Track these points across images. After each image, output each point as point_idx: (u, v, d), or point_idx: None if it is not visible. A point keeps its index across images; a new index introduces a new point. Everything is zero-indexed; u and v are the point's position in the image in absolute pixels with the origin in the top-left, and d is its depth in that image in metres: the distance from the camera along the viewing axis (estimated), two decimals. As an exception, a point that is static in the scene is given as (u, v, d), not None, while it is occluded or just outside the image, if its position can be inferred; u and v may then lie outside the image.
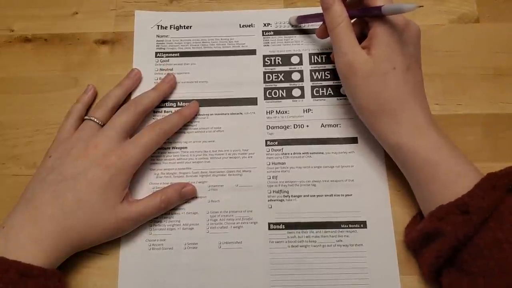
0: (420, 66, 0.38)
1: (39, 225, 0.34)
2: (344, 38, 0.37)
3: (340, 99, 0.43)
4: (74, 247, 0.36)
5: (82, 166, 0.36)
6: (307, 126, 0.43)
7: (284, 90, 0.44)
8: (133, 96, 0.44)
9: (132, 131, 0.40)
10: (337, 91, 0.44)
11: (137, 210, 0.38)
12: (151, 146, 0.39)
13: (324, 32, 0.42)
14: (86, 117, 0.40)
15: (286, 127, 0.43)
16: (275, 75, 0.45)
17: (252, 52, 0.46)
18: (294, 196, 0.40)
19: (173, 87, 0.44)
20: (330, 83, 0.44)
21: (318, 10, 0.39)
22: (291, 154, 0.42)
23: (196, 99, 0.44)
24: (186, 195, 0.40)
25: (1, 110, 0.44)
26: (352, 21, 0.39)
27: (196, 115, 0.43)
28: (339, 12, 0.37)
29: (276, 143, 0.42)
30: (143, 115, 0.41)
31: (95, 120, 0.40)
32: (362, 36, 0.39)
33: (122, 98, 0.42)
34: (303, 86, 0.44)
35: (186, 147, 0.42)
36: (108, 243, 0.38)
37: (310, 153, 0.42)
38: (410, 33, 0.37)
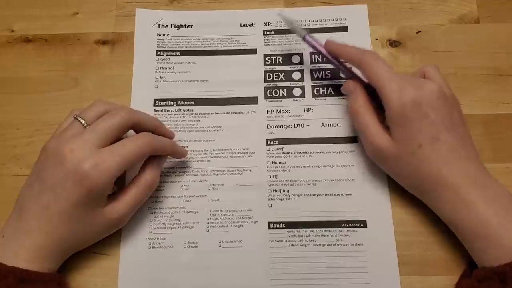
0: (454, 125, 0.36)
1: (31, 237, 0.33)
2: (367, 125, 0.37)
3: (341, 98, 0.43)
4: (71, 250, 0.36)
5: (59, 175, 0.34)
6: (308, 125, 0.43)
7: (285, 90, 0.44)
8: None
9: (114, 139, 0.36)
10: (337, 91, 0.44)
11: (127, 204, 0.36)
12: (131, 158, 0.35)
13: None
14: (74, 115, 0.37)
15: (287, 126, 0.43)
16: (275, 75, 0.45)
17: (253, 51, 0.46)
18: (294, 195, 0.40)
19: (170, 137, 0.40)
20: (331, 82, 0.44)
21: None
22: (292, 153, 0.42)
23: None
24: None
25: (1, 110, 0.44)
26: None
27: (182, 157, 0.41)
28: (359, 101, 0.38)
29: (277, 142, 0.42)
30: (132, 125, 0.37)
31: (81, 121, 0.36)
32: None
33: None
34: (304, 86, 0.44)
35: (186, 146, 0.42)
36: (108, 243, 0.38)
37: (310, 152, 0.42)
38: (426, 100, 0.35)
